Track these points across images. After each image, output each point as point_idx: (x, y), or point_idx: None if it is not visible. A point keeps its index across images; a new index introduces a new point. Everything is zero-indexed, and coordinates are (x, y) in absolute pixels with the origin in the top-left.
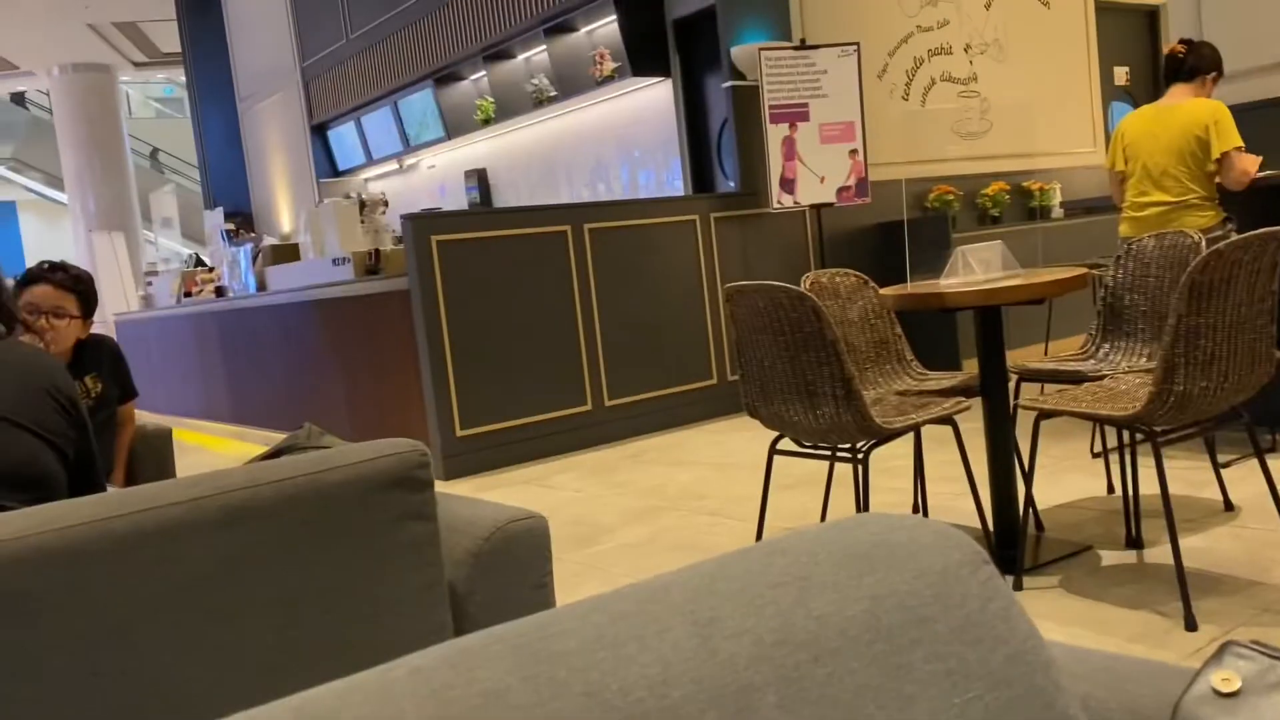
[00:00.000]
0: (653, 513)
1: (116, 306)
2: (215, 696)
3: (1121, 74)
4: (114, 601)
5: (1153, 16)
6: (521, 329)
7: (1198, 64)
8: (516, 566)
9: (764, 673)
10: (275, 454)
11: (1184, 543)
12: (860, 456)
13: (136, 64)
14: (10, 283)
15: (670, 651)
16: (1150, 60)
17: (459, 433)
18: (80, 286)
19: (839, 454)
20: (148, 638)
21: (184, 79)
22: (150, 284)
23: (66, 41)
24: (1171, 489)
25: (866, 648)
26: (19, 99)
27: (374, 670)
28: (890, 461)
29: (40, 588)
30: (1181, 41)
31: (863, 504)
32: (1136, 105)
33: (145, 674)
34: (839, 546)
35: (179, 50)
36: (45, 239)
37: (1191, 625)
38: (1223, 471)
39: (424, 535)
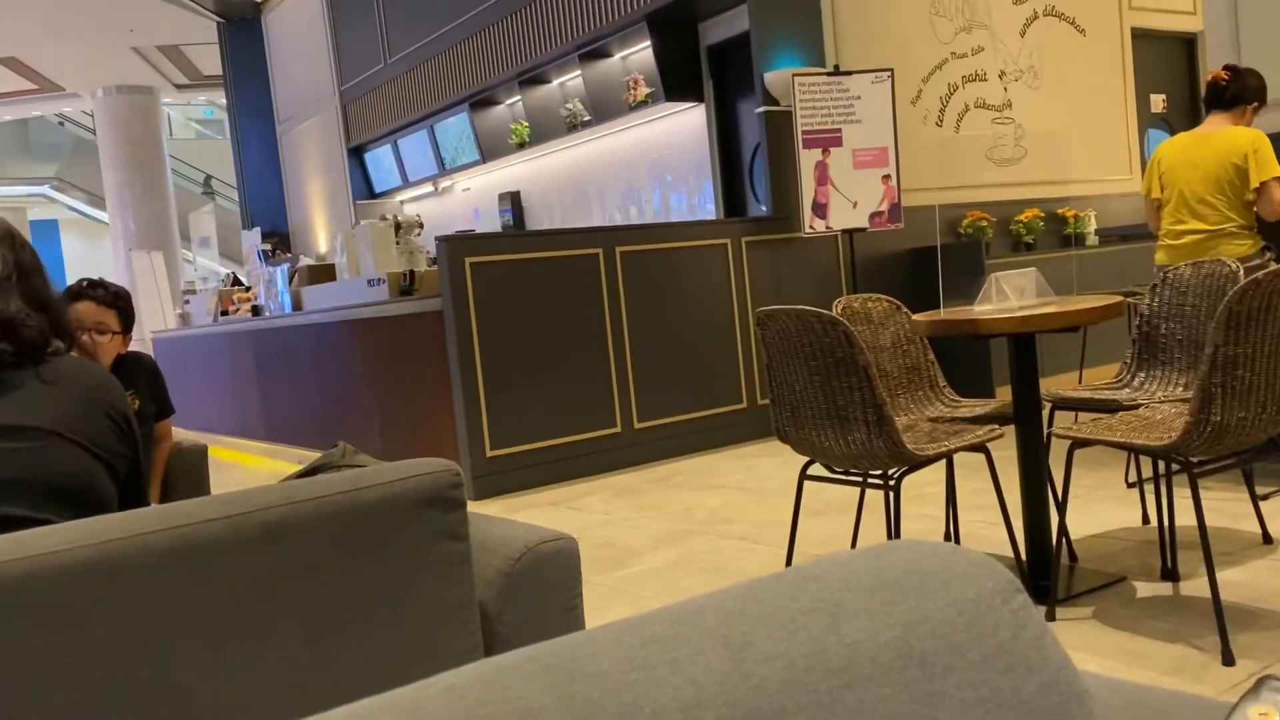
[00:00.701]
0: (681, 536)
1: (154, 324)
2: (249, 712)
3: (1158, 101)
4: (151, 616)
5: (1191, 44)
6: (553, 351)
7: (1240, 93)
8: (547, 587)
9: (796, 698)
10: (310, 472)
11: (1221, 575)
12: (892, 483)
13: (178, 86)
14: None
15: (703, 675)
16: (1188, 87)
17: (489, 453)
18: (120, 303)
19: (870, 480)
20: (183, 652)
21: (224, 101)
22: (188, 302)
23: (111, 64)
24: (1208, 521)
25: (899, 674)
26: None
27: (409, 687)
28: (922, 489)
29: (79, 601)
30: (1226, 68)
31: (894, 531)
32: (1173, 133)
33: (180, 688)
34: (871, 573)
35: (220, 73)
36: (86, 257)
37: (1229, 660)
38: (1261, 504)
39: (456, 554)
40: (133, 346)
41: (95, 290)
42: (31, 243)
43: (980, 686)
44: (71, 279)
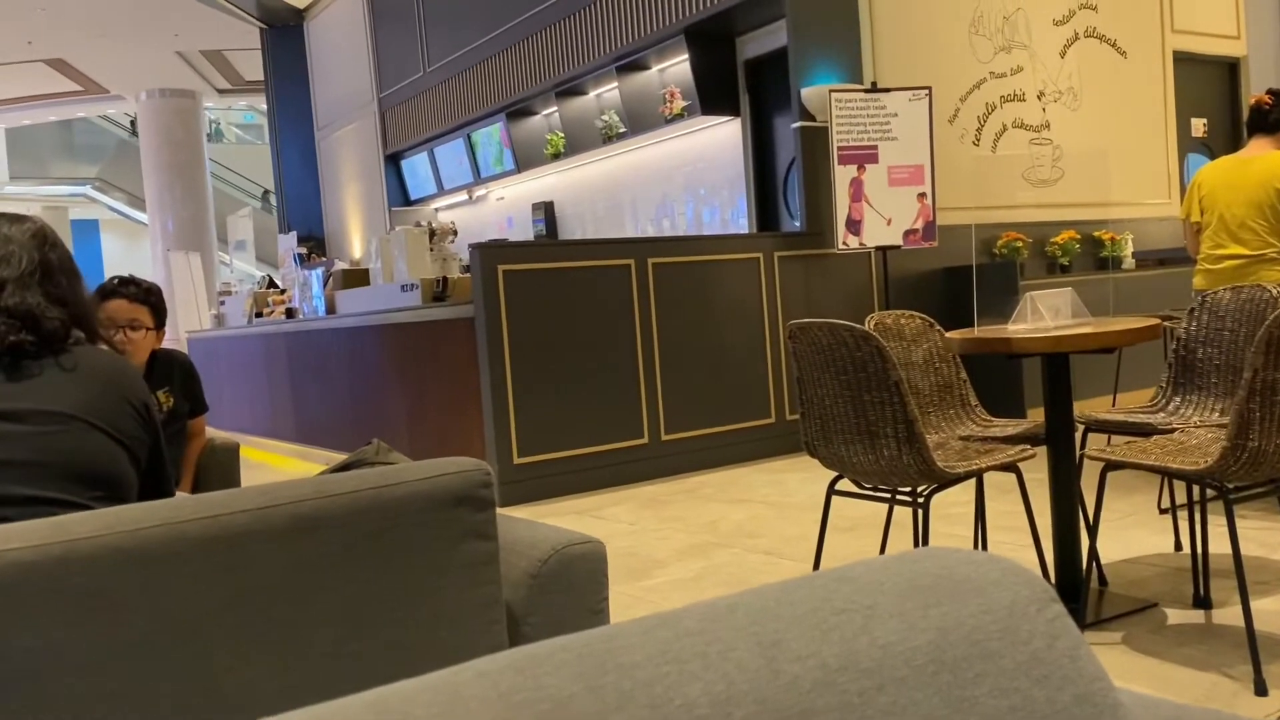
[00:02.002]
0: (705, 549)
1: (190, 324)
2: (274, 702)
3: (1199, 125)
4: (182, 604)
5: (1233, 68)
6: (582, 360)
7: None
8: (573, 590)
9: (827, 698)
10: (344, 467)
11: (1255, 604)
12: (920, 500)
13: (220, 90)
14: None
15: (735, 670)
16: (1229, 112)
17: (516, 460)
18: (151, 298)
19: (899, 497)
20: (214, 641)
21: (265, 106)
22: (223, 304)
23: (155, 68)
24: (1243, 549)
25: (931, 678)
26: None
27: (442, 672)
28: (951, 508)
29: (113, 587)
30: (1269, 92)
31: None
32: (1213, 157)
33: (210, 676)
34: (905, 577)
35: (261, 78)
36: (125, 258)
37: (1261, 690)
38: None
39: (484, 554)
40: (168, 345)
41: (127, 288)
42: (72, 242)
43: (1012, 694)
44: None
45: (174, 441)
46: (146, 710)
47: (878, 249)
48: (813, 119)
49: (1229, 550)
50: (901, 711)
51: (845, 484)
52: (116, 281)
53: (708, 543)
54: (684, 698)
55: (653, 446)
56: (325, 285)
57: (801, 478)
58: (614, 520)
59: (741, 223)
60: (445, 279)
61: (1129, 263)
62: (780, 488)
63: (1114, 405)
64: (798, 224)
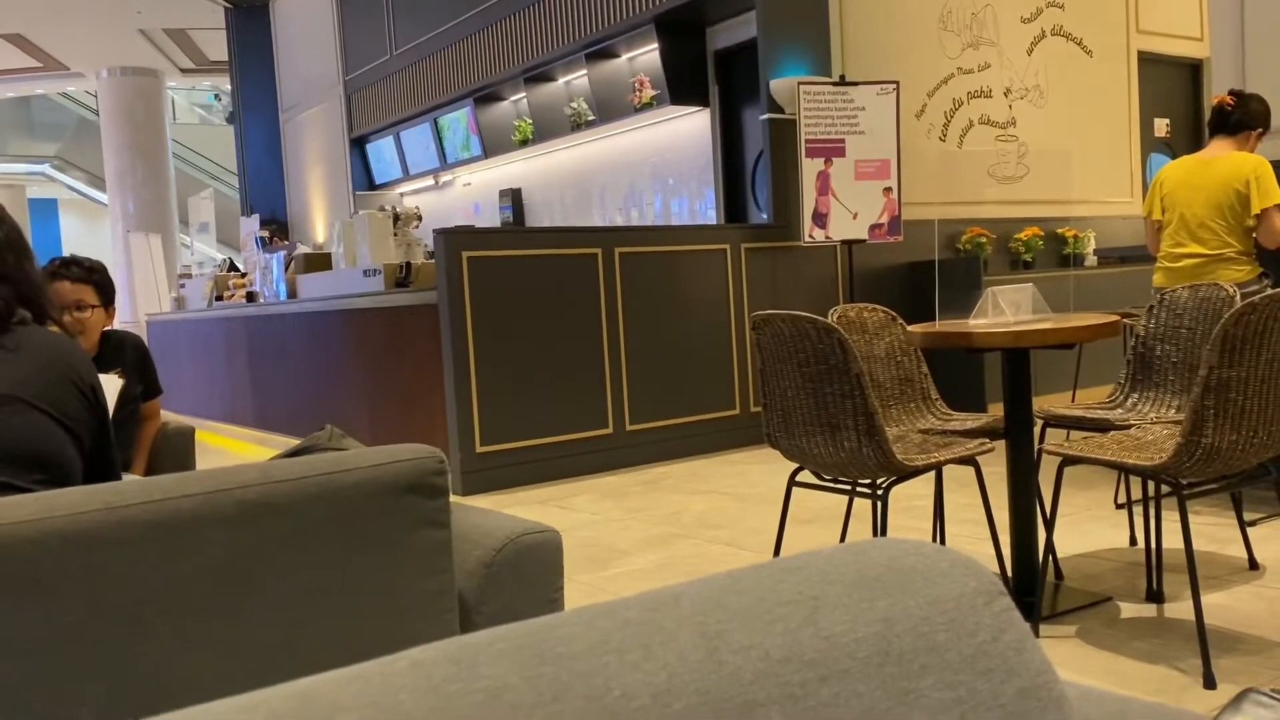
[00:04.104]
0: (667, 540)
1: (149, 307)
2: (218, 690)
3: (1162, 126)
4: (124, 590)
5: (1196, 70)
6: (547, 349)
7: (1244, 118)
8: (528, 579)
9: (769, 689)
10: (295, 453)
11: (1206, 599)
12: (880, 493)
13: (183, 70)
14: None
15: (676, 661)
16: (1192, 113)
17: (479, 448)
18: (95, 276)
19: (859, 489)
20: (155, 628)
21: (229, 87)
22: (183, 286)
23: (117, 45)
24: (1195, 544)
25: (876, 670)
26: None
27: (375, 662)
28: (910, 501)
29: (53, 572)
30: (1231, 93)
31: None
32: (1175, 157)
33: (150, 664)
34: (853, 568)
35: (225, 58)
36: (84, 238)
37: (1210, 683)
38: (1249, 529)
39: (437, 542)
40: (128, 328)
41: (69, 268)
42: (30, 221)
43: (957, 687)
44: None
45: (127, 424)
46: (83, 698)
47: (843, 242)
48: (781, 111)
49: (1182, 545)
50: (845, 703)
51: (806, 476)
52: (58, 263)
53: (669, 533)
54: (623, 688)
55: (617, 437)
56: (287, 269)
57: (764, 470)
58: (576, 510)
59: (709, 214)
60: (409, 265)
61: (1091, 260)
62: (743, 479)
63: (1073, 401)
64: (765, 216)
